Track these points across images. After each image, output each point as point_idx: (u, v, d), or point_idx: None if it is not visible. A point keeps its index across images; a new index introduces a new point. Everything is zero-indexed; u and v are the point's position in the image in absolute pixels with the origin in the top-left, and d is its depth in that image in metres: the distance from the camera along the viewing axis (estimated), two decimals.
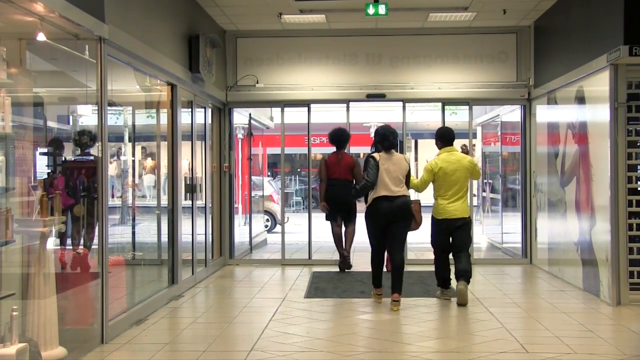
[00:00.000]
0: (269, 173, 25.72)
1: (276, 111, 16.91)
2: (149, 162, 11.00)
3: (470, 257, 8.23)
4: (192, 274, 9.30)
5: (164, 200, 8.69)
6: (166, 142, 8.64)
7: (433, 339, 6.49)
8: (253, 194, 14.65)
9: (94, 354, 5.93)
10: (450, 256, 8.27)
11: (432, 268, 8.56)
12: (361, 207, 8.59)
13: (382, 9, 9.52)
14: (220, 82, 11.03)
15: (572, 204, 8.99)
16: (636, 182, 7.90)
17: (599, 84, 8.09)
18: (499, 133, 13.17)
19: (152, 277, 8.75)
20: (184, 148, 9.01)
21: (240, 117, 12.66)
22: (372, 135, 8.36)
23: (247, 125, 13.43)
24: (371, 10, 9.55)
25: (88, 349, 5.99)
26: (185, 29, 9.17)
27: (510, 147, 12.82)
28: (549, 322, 7.06)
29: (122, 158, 8.86)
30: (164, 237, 8.62)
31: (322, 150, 25.14)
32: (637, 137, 7.89)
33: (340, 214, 10.35)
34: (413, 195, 8.25)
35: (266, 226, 16.74)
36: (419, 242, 11.44)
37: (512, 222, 12.18)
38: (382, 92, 11.33)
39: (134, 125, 8.98)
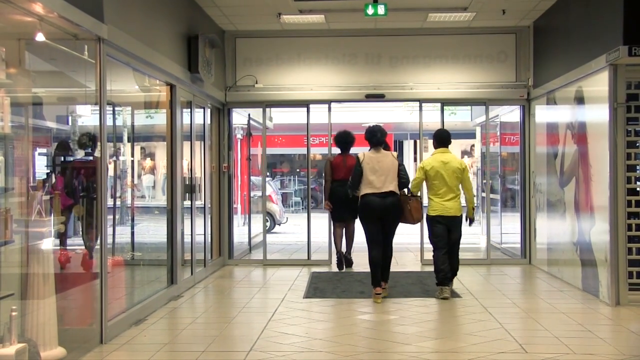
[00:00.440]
0: (268, 173, 25.70)
1: (275, 111, 16.96)
2: (148, 163, 11.01)
3: (459, 255, 8.57)
4: (191, 274, 9.30)
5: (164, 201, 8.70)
6: (165, 142, 8.64)
7: (432, 339, 6.49)
8: (252, 194, 14.65)
9: (93, 354, 5.93)
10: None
11: (430, 269, 8.69)
12: None
13: (381, 9, 9.52)
14: (220, 83, 11.03)
15: (572, 204, 8.99)
16: (635, 183, 7.91)
17: (598, 84, 8.09)
18: (498, 133, 13.17)
19: (151, 278, 8.74)
20: (184, 148, 9.01)
21: (239, 117, 12.65)
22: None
23: (246, 126, 13.42)
24: (370, 11, 9.55)
25: (87, 349, 5.99)
26: (184, 29, 9.17)
27: (509, 147, 12.82)
28: (548, 322, 7.06)
29: (121, 158, 8.85)
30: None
31: (319, 150, 25.19)
32: (636, 137, 7.89)
33: (344, 214, 10.42)
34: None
35: (265, 226, 16.70)
36: (417, 242, 11.44)
37: (511, 223, 12.18)
38: (381, 92, 11.33)
39: (133, 126, 8.97)
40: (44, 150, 6.59)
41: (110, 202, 7.66)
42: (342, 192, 10.03)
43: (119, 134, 8.84)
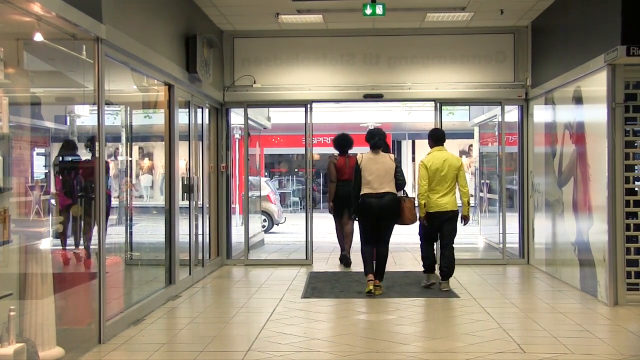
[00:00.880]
0: (266, 173, 25.74)
1: (273, 111, 16.95)
2: (146, 162, 11.00)
3: (453, 251, 8.80)
4: (190, 274, 9.29)
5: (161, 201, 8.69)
6: (163, 142, 8.63)
7: (430, 339, 6.50)
8: (250, 194, 14.63)
9: (91, 354, 5.93)
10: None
11: None
12: None
13: (379, 9, 9.52)
14: (218, 83, 11.03)
15: (570, 204, 9.00)
16: (633, 182, 7.92)
17: (597, 84, 8.10)
18: (497, 133, 13.16)
19: (150, 278, 8.74)
20: (181, 148, 9.01)
21: (237, 117, 12.63)
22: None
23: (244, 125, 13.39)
24: (368, 11, 9.55)
25: (85, 349, 5.99)
26: (182, 29, 9.17)
27: (508, 147, 12.80)
28: (546, 322, 7.07)
29: (120, 158, 8.84)
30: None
31: (317, 150, 25.18)
32: (634, 137, 7.90)
33: (347, 213, 10.69)
34: (410, 194, 8.91)
35: (263, 226, 16.73)
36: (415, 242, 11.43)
37: (510, 223, 12.17)
38: (380, 92, 11.33)
39: (131, 126, 8.96)
40: (42, 150, 6.57)
41: (115, 202, 7.71)
42: (344, 191, 10.24)
43: (117, 134, 8.84)
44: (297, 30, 11.28)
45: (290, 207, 26.24)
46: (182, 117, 9.05)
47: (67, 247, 6.55)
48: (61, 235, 6.34)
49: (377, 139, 8.58)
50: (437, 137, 9.04)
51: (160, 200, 8.72)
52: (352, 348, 6.08)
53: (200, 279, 9.76)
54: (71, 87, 6.96)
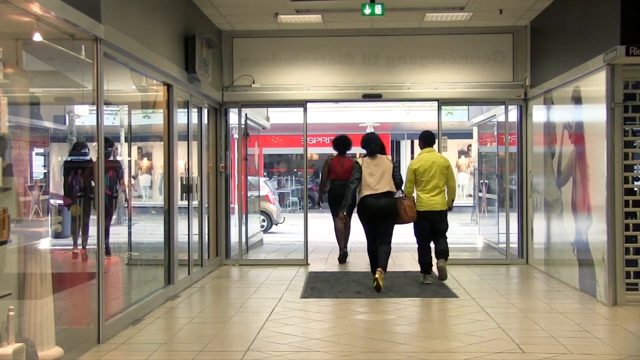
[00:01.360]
0: (265, 173, 25.74)
1: (272, 111, 16.93)
2: (145, 162, 11.00)
3: (447, 239, 9.29)
4: (189, 274, 9.29)
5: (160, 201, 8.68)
6: (162, 142, 8.63)
7: (429, 339, 6.50)
8: (249, 194, 14.63)
9: (90, 354, 5.93)
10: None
11: None
12: None
13: (378, 9, 9.53)
14: (217, 82, 11.02)
15: (569, 204, 9.00)
16: (632, 182, 7.92)
17: (596, 84, 8.10)
18: (496, 133, 13.17)
19: (149, 277, 8.74)
20: (180, 148, 9.01)
21: (236, 117, 12.62)
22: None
23: (244, 125, 13.38)
24: (367, 11, 9.55)
25: (84, 349, 5.99)
26: (181, 29, 9.16)
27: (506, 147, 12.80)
28: (545, 322, 7.07)
29: (119, 158, 8.84)
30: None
31: (316, 150, 25.20)
32: (633, 137, 7.90)
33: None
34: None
35: (262, 226, 16.73)
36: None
37: (509, 222, 12.18)
38: (379, 92, 11.33)
39: (130, 126, 8.96)
40: (41, 150, 6.58)
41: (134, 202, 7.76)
42: (340, 191, 10.33)
43: (117, 134, 8.85)
44: (296, 30, 11.28)
45: (289, 207, 26.24)
46: (181, 117, 9.05)
47: (66, 247, 6.55)
48: (73, 235, 6.38)
49: (373, 146, 8.92)
50: (427, 139, 9.51)
51: (159, 200, 8.72)
52: (351, 348, 6.08)
53: (199, 279, 9.76)
54: (70, 87, 6.96)
